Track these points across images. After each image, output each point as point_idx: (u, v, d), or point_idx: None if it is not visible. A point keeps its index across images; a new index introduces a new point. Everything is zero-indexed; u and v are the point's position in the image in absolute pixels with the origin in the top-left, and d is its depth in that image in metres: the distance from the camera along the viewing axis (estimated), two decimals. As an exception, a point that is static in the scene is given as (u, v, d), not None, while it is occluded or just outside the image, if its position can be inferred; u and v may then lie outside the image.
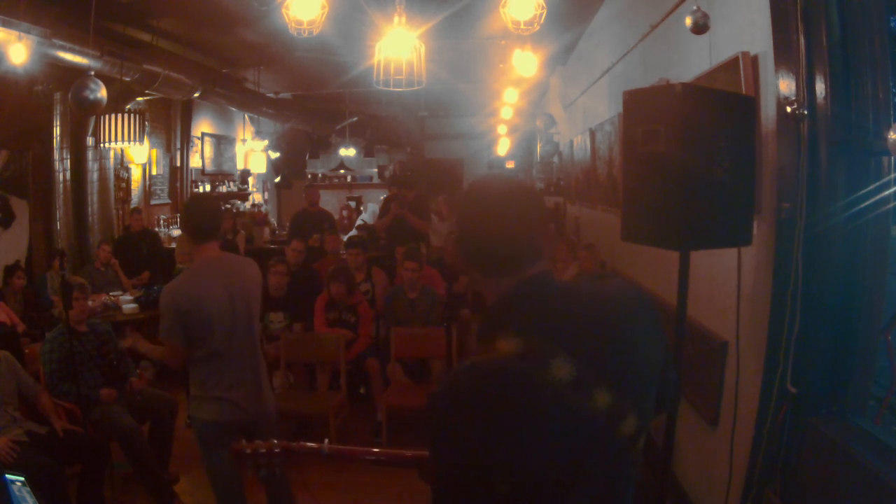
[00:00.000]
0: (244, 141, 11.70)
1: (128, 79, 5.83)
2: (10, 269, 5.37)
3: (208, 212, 2.69)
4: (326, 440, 1.65)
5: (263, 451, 1.61)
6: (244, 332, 2.71)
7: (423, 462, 1.42)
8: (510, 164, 14.00)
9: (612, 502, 1.07)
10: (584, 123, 6.55)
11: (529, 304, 1.07)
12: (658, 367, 1.15)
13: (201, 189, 9.89)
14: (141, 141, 6.78)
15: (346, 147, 12.59)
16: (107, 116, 6.25)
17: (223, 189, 10.67)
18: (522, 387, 0.98)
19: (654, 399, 1.14)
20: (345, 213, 11.61)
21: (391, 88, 3.62)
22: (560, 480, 0.98)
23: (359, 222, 10.52)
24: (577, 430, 0.99)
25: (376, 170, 14.51)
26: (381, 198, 12.30)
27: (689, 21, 2.58)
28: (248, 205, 11.19)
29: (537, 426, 0.97)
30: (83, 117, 6.18)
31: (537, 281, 1.10)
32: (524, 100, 9.81)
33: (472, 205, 1.15)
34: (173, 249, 7.57)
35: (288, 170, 12.46)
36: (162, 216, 8.72)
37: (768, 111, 2.39)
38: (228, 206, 10.05)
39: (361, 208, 12.86)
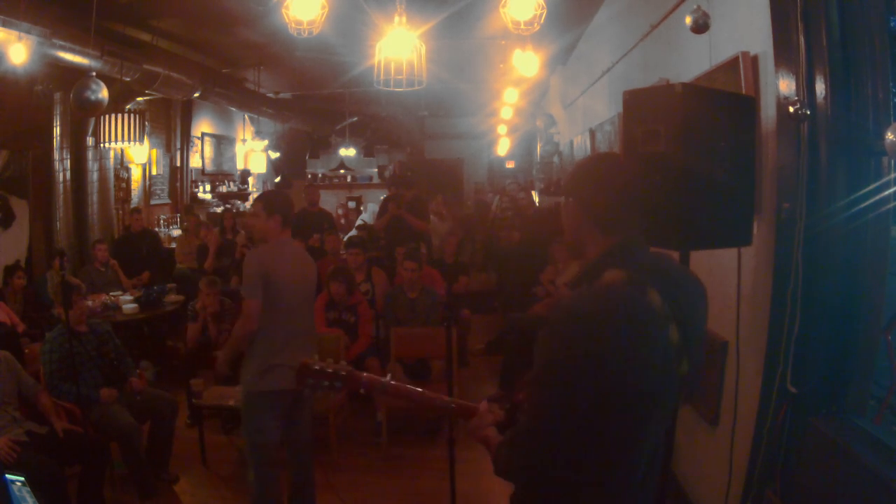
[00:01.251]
0: (244, 141, 11.70)
1: (128, 79, 5.84)
2: (10, 269, 5.37)
3: (291, 204, 3.14)
4: (389, 374, 1.70)
5: (330, 370, 1.62)
6: (305, 310, 3.13)
7: (475, 415, 1.50)
8: (510, 164, 14.00)
9: (666, 436, 1.37)
10: (584, 123, 6.55)
11: (629, 253, 1.32)
12: (701, 338, 1.36)
13: (201, 189, 9.89)
14: (141, 141, 6.78)
15: (346, 147, 12.59)
16: (107, 116, 6.25)
17: (223, 189, 10.67)
18: (628, 305, 1.20)
19: (696, 359, 1.32)
20: (340, 211, 11.55)
21: (391, 88, 3.62)
22: (651, 392, 1.21)
23: (359, 222, 10.52)
24: (663, 353, 1.21)
25: (376, 170, 14.51)
26: (381, 198, 12.31)
27: (689, 21, 2.58)
28: (248, 205, 11.19)
29: (639, 340, 1.19)
30: (83, 117, 6.18)
31: (635, 240, 1.36)
32: (524, 100, 9.82)
33: (603, 170, 1.42)
34: (173, 249, 7.58)
35: (288, 170, 12.46)
36: (162, 216, 8.72)
37: (768, 111, 2.38)
38: (228, 206, 10.05)
39: (361, 208, 12.87)
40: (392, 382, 1.66)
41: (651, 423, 1.26)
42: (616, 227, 1.35)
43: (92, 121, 6.34)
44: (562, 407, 1.19)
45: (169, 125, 9.04)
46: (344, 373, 1.66)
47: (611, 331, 1.17)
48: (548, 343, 1.22)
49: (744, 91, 2.45)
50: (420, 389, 1.69)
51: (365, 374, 1.68)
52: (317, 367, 1.65)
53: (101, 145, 6.50)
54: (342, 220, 10.97)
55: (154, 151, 8.58)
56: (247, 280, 2.93)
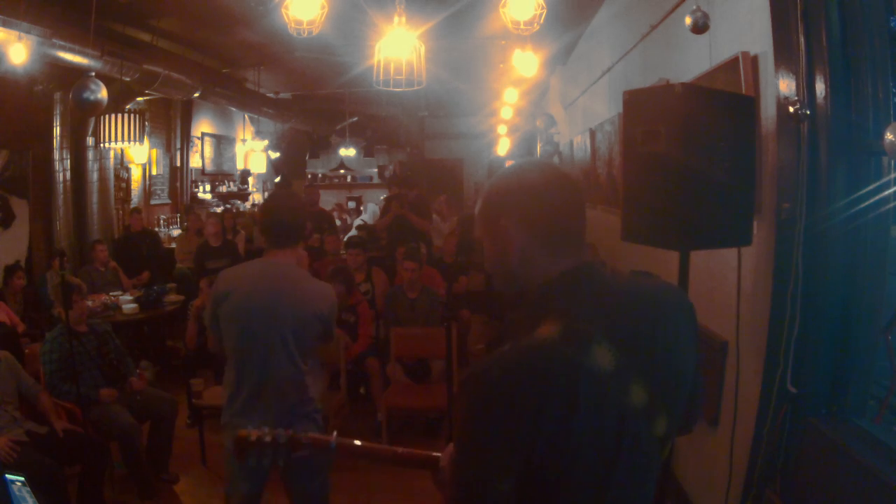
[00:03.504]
0: (244, 141, 11.70)
1: (128, 79, 5.83)
2: (10, 269, 5.37)
3: (289, 213, 2.44)
4: (335, 433, 1.61)
5: (268, 440, 1.57)
6: (277, 353, 2.35)
7: (436, 466, 1.37)
8: (510, 164, 13.98)
9: (643, 502, 1.05)
10: (584, 123, 6.55)
11: (579, 288, 1.05)
12: (691, 376, 1.12)
13: (201, 189, 9.89)
14: (141, 141, 6.78)
15: (346, 147, 12.59)
16: (107, 116, 6.25)
17: (223, 189, 10.67)
18: (563, 370, 0.95)
19: (683, 408, 1.11)
20: (335, 213, 11.45)
21: (391, 88, 3.61)
22: (598, 470, 0.96)
23: (358, 222, 10.51)
24: (615, 422, 0.96)
25: (376, 170, 14.52)
26: (382, 198, 12.31)
27: (689, 21, 2.58)
28: (248, 205, 11.19)
29: (575, 411, 0.93)
30: (83, 117, 6.18)
31: (592, 266, 1.08)
32: (524, 100, 9.82)
33: (539, 182, 1.11)
34: (173, 249, 7.58)
35: (288, 170, 12.46)
36: (162, 216, 8.72)
37: (768, 111, 2.38)
38: (228, 206, 10.05)
39: (361, 208, 12.86)
40: (339, 439, 1.59)
41: None
42: (568, 245, 1.10)
43: (92, 121, 6.34)
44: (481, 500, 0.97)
45: (169, 125, 9.04)
46: (283, 440, 1.54)
47: (530, 410, 0.92)
48: (459, 421, 0.99)
49: (744, 91, 2.45)
50: (367, 444, 1.56)
51: (309, 435, 1.57)
52: (253, 439, 1.59)
53: (101, 145, 6.50)
54: (337, 222, 10.93)
55: (154, 151, 8.57)
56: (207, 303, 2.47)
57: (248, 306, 2.34)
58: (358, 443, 1.56)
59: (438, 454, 1.36)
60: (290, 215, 2.43)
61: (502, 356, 0.99)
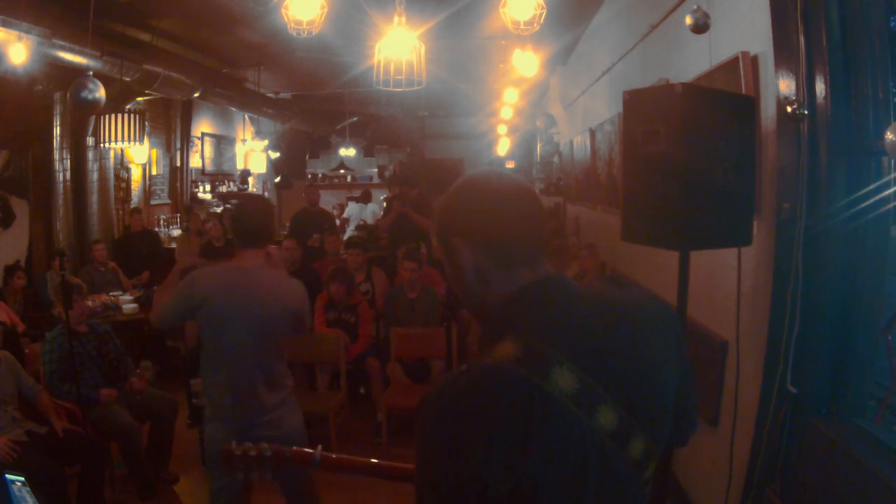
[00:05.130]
0: (244, 141, 11.70)
1: (128, 79, 5.83)
2: (10, 269, 5.36)
3: (258, 215, 2.59)
4: (320, 446, 1.62)
5: (253, 454, 1.58)
6: (255, 352, 2.52)
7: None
8: (510, 164, 14.00)
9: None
10: (584, 123, 6.55)
11: (540, 305, 0.99)
12: (674, 390, 1.06)
13: (201, 189, 9.89)
14: (141, 141, 6.78)
15: (346, 147, 12.59)
16: (107, 116, 6.25)
17: (223, 189, 10.67)
18: (518, 393, 0.89)
19: (668, 424, 1.05)
20: (335, 211, 11.43)
21: (391, 88, 3.61)
22: (563, 498, 0.90)
23: (358, 222, 10.51)
24: (578, 447, 0.90)
25: (376, 170, 14.52)
26: (382, 198, 12.31)
27: (689, 21, 2.58)
28: (248, 205, 11.17)
29: (531, 437, 0.88)
30: (83, 117, 6.18)
31: (553, 281, 1.02)
32: (524, 100, 9.81)
33: (488, 192, 1.06)
34: (173, 249, 7.57)
35: (288, 170, 12.46)
36: (162, 216, 8.72)
37: (768, 111, 2.38)
38: (228, 206, 10.05)
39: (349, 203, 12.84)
40: (322, 454, 1.57)
41: None
42: (523, 260, 1.03)
43: (92, 121, 6.34)
44: None
45: (169, 125, 9.04)
46: (269, 454, 1.57)
47: (483, 437, 0.87)
48: (417, 447, 0.95)
49: (744, 91, 2.45)
50: (348, 458, 1.58)
51: (293, 449, 1.59)
52: (238, 453, 1.59)
53: (101, 145, 6.50)
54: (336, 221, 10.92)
55: (154, 151, 8.57)
56: (173, 297, 2.55)
57: (225, 314, 2.47)
58: (341, 456, 1.58)
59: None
60: (261, 218, 2.58)
61: (456, 380, 0.95)
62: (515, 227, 1.04)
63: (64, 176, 6.25)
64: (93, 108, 5.08)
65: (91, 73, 5.13)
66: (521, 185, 1.08)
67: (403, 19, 3.58)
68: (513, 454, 0.87)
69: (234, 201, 9.48)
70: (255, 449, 1.58)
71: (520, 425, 0.88)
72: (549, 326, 0.96)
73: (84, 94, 4.92)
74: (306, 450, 1.60)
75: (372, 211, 11.53)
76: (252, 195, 9.59)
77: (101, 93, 5.00)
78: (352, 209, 11.64)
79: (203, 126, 10.17)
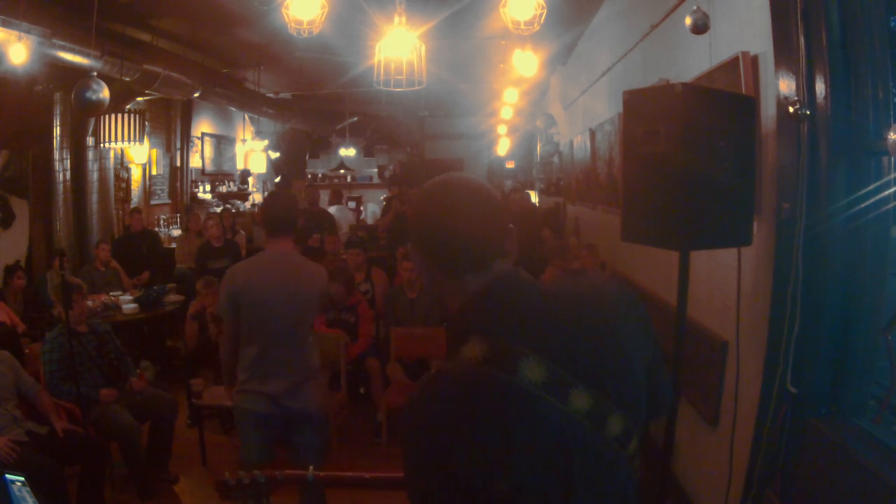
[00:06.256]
0: (244, 141, 11.70)
1: (128, 79, 5.83)
2: (10, 269, 5.36)
3: (284, 208, 2.84)
4: (312, 466, 1.67)
5: (247, 481, 1.62)
6: (289, 330, 2.78)
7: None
8: (510, 164, 14.01)
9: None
10: (584, 123, 6.55)
11: (497, 305, 1.01)
12: (644, 367, 1.09)
13: (201, 189, 9.90)
14: (141, 141, 6.77)
15: (346, 147, 12.59)
16: (107, 116, 6.25)
17: (223, 189, 10.67)
18: (488, 393, 0.93)
19: (644, 400, 1.08)
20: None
21: (391, 88, 3.62)
22: (549, 490, 0.92)
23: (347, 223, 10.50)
24: (558, 433, 0.93)
25: (376, 170, 14.53)
26: (381, 198, 12.31)
27: (688, 21, 2.58)
28: (248, 205, 11.19)
29: (510, 431, 0.90)
30: (83, 117, 6.18)
31: (506, 280, 1.04)
32: (524, 100, 9.82)
33: (435, 200, 1.08)
34: (173, 249, 7.58)
35: (288, 170, 12.46)
36: (162, 216, 8.72)
37: (768, 111, 2.39)
38: (228, 206, 10.05)
39: (361, 208, 12.86)
40: (315, 472, 1.64)
41: None
42: (474, 263, 1.04)
43: (92, 121, 6.34)
44: None
45: (169, 125, 9.04)
46: (263, 480, 1.63)
47: (464, 438, 0.90)
48: (403, 461, 0.97)
49: (744, 91, 2.45)
50: (340, 473, 1.68)
51: (285, 472, 1.65)
52: (233, 483, 1.64)
53: (101, 145, 6.50)
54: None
55: (154, 151, 8.57)
56: (220, 298, 2.83)
57: (266, 296, 2.70)
58: (332, 474, 1.63)
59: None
60: (286, 210, 2.84)
61: (429, 385, 0.98)
62: (460, 235, 1.04)
63: (64, 176, 6.25)
64: (97, 108, 5.08)
65: (93, 73, 5.12)
66: (477, 190, 1.07)
67: (404, 19, 3.58)
68: (497, 452, 0.89)
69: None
70: (249, 476, 1.63)
71: (498, 423, 0.91)
72: (511, 323, 0.99)
73: (88, 94, 4.92)
74: (299, 471, 1.67)
75: (372, 211, 11.54)
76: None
77: (105, 93, 5.00)
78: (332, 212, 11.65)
79: (203, 126, 10.17)
